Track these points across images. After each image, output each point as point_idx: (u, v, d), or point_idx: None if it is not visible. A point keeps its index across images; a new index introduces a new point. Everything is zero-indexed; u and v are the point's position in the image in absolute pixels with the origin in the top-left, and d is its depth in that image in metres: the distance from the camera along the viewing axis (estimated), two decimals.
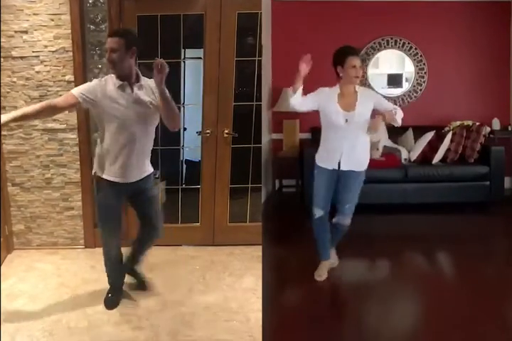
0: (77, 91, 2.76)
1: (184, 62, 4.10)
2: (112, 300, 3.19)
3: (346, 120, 3.14)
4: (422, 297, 3.21)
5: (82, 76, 3.74)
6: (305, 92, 3.15)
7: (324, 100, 3.19)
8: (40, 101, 3.76)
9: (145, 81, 2.85)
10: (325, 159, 3.27)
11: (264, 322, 2.75)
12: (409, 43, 5.78)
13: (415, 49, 5.78)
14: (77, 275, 3.56)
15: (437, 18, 5.75)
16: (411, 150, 5.31)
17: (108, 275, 3.26)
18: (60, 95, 3.75)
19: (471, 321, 2.79)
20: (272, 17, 5.64)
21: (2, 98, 3.70)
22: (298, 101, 3.11)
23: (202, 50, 3.84)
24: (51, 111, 2.78)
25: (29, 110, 2.72)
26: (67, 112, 3.82)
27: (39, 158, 3.90)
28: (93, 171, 3.04)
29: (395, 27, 5.76)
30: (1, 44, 3.63)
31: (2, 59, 3.67)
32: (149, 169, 3.06)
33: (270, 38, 5.62)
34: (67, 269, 3.68)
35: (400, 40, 5.79)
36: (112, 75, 2.82)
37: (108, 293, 3.22)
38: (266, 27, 5.13)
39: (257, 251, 3.94)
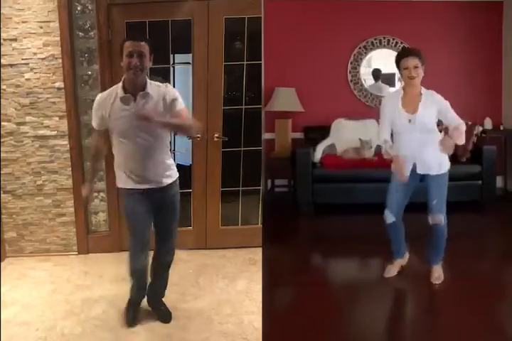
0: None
1: (173, 67, 4.13)
2: (131, 316, 3.00)
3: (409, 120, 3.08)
4: (417, 296, 3.22)
5: (71, 83, 3.77)
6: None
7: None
8: (31, 108, 3.81)
9: (152, 88, 2.68)
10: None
11: (263, 323, 2.76)
12: (401, 43, 5.79)
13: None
14: (70, 282, 3.56)
15: (430, 17, 5.77)
16: None
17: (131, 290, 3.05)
18: (51, 102, 3.81)
19: (465, 319, 2.80)
20: (264, 17, 5.64)
21: None
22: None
23: (190, 55, 3.87)
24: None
25: None
26: (57, 119, 3.85)
27: (30, 165, 3.90)
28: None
29: (388, 26, 5.78)
30: None
31: None
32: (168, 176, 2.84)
33: (262, 38, 5.61)
34: (60, 276, 3.68)
35: (393, 39, 5.80)
36: (119, 85, 2.67)
37: (127, 309, 3.05)
38: None
39: (249, 254, 3.97)
